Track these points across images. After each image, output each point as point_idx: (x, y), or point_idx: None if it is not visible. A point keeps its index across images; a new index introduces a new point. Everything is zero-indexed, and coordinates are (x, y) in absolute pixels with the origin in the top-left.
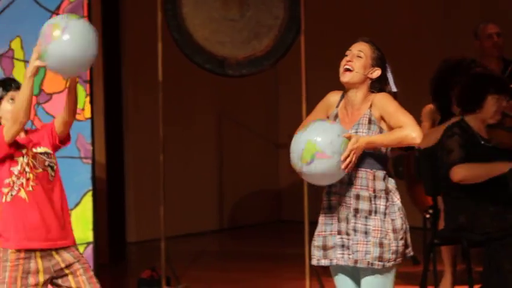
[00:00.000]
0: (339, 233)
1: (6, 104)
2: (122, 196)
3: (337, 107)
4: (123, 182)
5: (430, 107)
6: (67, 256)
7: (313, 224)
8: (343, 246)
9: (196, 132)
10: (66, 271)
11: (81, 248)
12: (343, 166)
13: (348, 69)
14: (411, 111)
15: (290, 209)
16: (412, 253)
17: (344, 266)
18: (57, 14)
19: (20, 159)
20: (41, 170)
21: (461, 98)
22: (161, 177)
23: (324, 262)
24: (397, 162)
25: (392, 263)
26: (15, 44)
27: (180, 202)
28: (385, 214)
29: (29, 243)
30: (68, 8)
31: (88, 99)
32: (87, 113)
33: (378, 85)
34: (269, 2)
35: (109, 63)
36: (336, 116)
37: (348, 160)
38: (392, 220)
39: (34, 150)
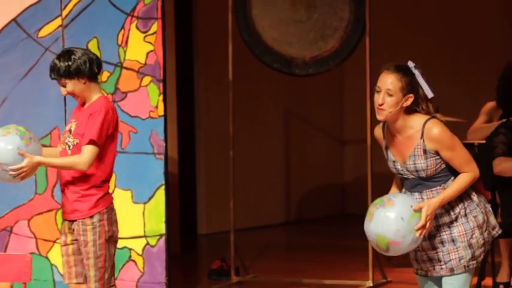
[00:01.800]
0: (423, 249)
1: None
2: (193, 190)
3: (384, 138)
4: (195, 176)
5: (492, 103)
6: (76, 228)
7: None
8: (430, 260)
9: (264, 129)
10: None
11: (154, 240)
12: (418, 234)
13: (381, 109)
14: (473, 106)
15: (354, 202)
16: (500, 231)
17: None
18: (133, 16)
19: None
20: (61, 147)
21: (501, 99)
22: (231, 172)
23: (421, 272)
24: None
25: (483, 254)
26: (92, 45)
27: (249, 196)
28: (466, 216)
29: None
30: (143, 10)
31: (161, 97)
32: (160, 111)
33: (414, 106)
34: (335, 4)
35: (181, 63)
36: (387, 148)
37: (426, 226)
38: (475, 217)
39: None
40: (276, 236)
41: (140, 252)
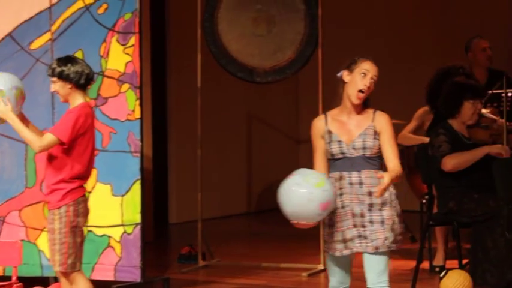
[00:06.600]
0: (355, 226)
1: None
2: (165, 184)
3: (326, 125)
4: (167, 172)
5: (424, 109)
6: (48, 217)
7: None
8: (359, 236)
9: (228, 130)
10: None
11: (130, 228)
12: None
13: (362, 92)
14: (408, 112)
15: None
16: (403, 229)
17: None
18: (113, 30)
19: None
20: None
21: (443, 105)
22: (199, 169)
23: (346, 252)
24: (399, 155)
25: (400, 242)
26: (77, 56)
27: (215, 189)
28: (391, 202)
29: None
30: (122, 26)
31: (138, 102)
32: (137, 114)
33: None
34: (292, 20)
35: (156, 72)
36: (330, 132)
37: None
38: (394, 207)
39: None
40: (238, 224)
41: (118, 239)
